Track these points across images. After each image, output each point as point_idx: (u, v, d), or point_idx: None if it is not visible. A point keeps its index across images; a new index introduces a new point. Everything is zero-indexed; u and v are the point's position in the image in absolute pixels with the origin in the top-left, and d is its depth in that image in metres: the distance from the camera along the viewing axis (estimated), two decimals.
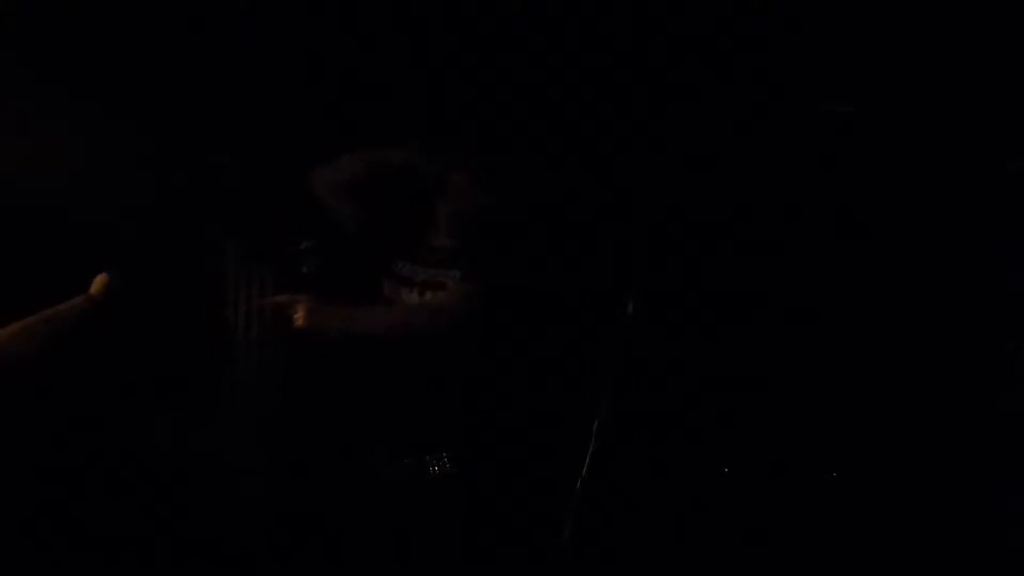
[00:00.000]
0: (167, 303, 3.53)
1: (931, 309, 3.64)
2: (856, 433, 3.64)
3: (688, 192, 3.73)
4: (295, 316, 2.91)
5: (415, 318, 2.98)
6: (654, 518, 3.62)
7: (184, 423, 3.47)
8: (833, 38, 3.50)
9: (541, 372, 3.69)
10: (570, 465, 2.92)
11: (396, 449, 2.92)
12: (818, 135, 3.65)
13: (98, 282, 2.96)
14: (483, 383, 3.01)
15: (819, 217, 3.71)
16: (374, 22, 3.55)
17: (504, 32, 3.55)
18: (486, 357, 3.01)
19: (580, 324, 3.73)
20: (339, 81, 3.64)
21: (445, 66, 3.59)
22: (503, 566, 3.12)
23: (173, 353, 3.53)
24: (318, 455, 3.04)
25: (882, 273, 3.68)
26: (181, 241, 3.67)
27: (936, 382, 3.59)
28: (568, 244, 3.73)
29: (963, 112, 3.55)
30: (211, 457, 3.46)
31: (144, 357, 3.47)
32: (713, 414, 3.70)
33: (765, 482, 3.63)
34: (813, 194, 3.70)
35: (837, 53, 3.53)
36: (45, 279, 3.47)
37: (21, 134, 3.43)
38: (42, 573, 3.14)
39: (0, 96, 3.42)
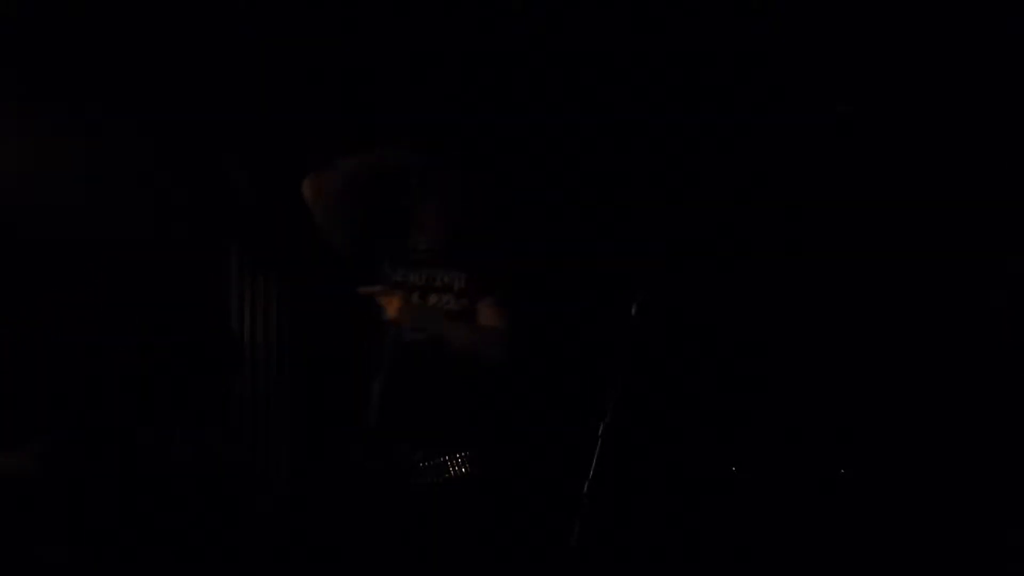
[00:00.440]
0: (174, 308, 3.54)
1: (932, 309, 3.66)
2: (861, 432, 3.66)
3: (688, 192, 3.74)
4: (390, 307, 2.87)
5: (493, 327, 2.97)
6: (664, 517, 3.64)
7: (202, 429, 3.47)
8: (833, 38, 3.51)
9: (543, 372, 3.71)
10: (580, 466, 2.91)
11: (415, 450, 2.91)
12: (818, 135, 3.67)
13: None
14: (498, 384, 3.01)
15: (820, 217, 3.73)
16: (369, 22, 3.54)
17: (498, 30, 3.54)
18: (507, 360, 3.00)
19: (581, 324, 3.74)
20: (339, 81, 3.63)
21: (437, 65, 3.59)
22: (516, 566, 3.13)
23: (185, 359, 3.53)
24: (338, 456, 3.01)
25: (882, 273, 3.70)
26: (187, 245, 3.67)
27: (938, 383, 3.61)
28: (568, 244, 3.74)
29: (963, 112, 3.56)
30: (230, 463, 3.45)
31: (155, 364, 3.47)
32: (722, 414, 3.72)
33: (774, 481, 3.65)
34: (813, 194, 3.72)
35: (837, 53, 3.54)
36: (45, 279, 3.48)
37: (22, 137, 3.43)
38: None
39: (1, 97, 3.42)
